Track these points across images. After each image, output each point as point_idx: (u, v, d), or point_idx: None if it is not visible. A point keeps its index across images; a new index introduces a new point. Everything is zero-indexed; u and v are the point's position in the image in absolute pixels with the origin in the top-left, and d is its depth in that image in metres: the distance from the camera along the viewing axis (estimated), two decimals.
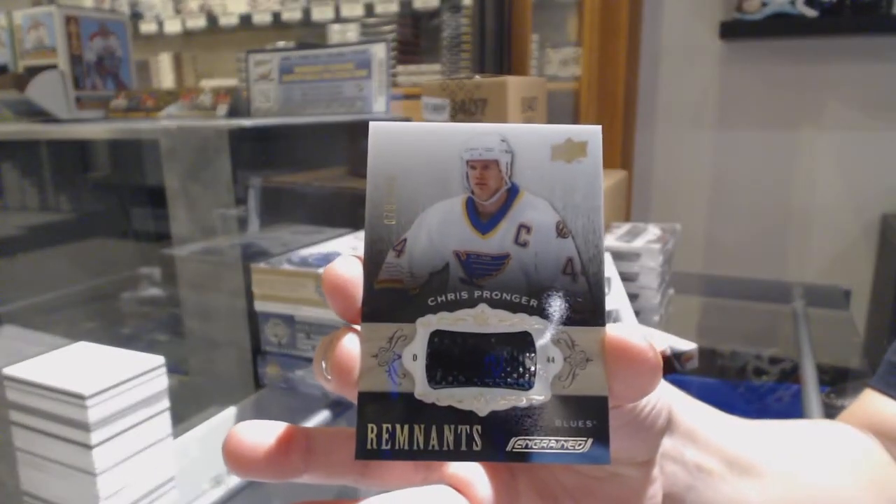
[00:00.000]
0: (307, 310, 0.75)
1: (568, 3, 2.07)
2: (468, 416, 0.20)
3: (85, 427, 0.49)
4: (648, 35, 1.92)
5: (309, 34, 2.49)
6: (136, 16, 2.76)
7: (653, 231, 0.99)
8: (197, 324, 0.89)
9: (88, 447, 0.49)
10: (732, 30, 1.78)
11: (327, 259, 0.78)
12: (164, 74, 2.81)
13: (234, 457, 0.20)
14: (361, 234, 0.97)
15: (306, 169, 1.13)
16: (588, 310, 0.20)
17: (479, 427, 0.20)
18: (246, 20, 2.55)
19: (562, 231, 0.21)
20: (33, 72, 1.15)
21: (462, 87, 1.04)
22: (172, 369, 0.57)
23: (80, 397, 0.49)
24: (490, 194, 0.21)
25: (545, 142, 0.21)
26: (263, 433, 0.20)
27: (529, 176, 0.21)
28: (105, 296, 1.17)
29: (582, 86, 1.81)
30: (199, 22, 2.67)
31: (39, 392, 0.51)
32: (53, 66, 1.16)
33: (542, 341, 0.20)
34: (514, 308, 0.20)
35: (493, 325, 0.20)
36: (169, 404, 0.56)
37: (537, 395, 0.20)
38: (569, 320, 0.20)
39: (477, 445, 0.20)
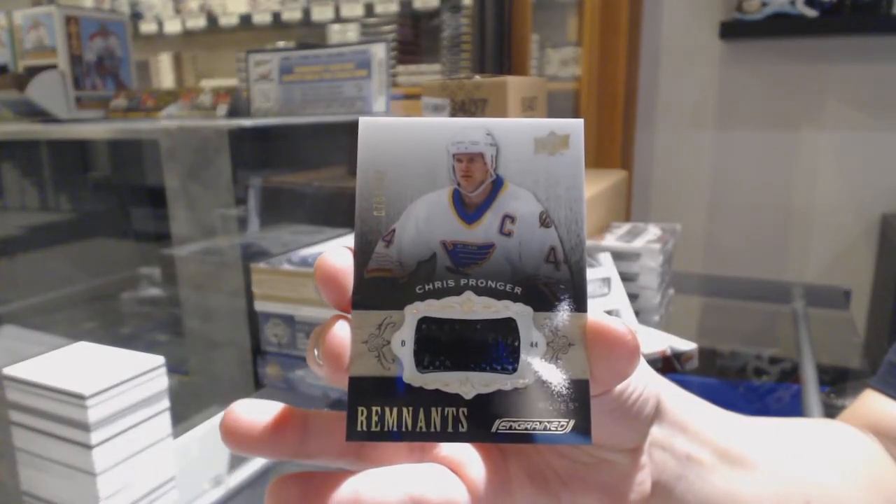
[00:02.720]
0: (307, 310, 0.75)
1: (568, 3, 2.07)
2: (455, 399, 0.20)
3: (85, 427, 0.49)
4: (648, 35, 1.92)
5: (309, 34, 2.49)
6: (136, 16, 2.76)
7: (653, 231, 0.99)
8: (197, 324, 0.89)
9: (88, 447, 0.49)
10: (732, 30, 1.78)
11: None
12: (164, 74, 2.81)
13: (231, 432, 0.20)
14: None
15: (306, 169, 1.13)
16: (570, 296, 0.21)
17: (465, 409, 0.20)
18: (246, 20, 2.55)
19: (545, 221, 0.21)
20: (33, 72, 1.15)
21: (462, 87, 1.04)
22: (172, 369, 0.57)
23: (80, 397, 0.49)
24: (475, 186, 0.22)
25: (529, 135, 0.22)
26: (261, 411, 0.21)
27: (514, 168, 0.22)
28: (105, 296, 1.17)
29: (582, 86, 1.81)
30: (199, 22, 2.67)
31: (39, 392, 0.51)
32: (53, 66, 1.16)
33: (525, 327, 0.21)
34: (498, 295, 0.21)
35: (478, 311, 0.21)
36: (169, 404, 0.56)
37: (521, 378, 0.21)
38: (552, 307, 0.21)
39: (463, 427, 0.20)
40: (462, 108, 1.05)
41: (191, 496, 0.62)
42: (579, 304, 0.21)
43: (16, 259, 1.18)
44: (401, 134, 0.22)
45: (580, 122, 0.22)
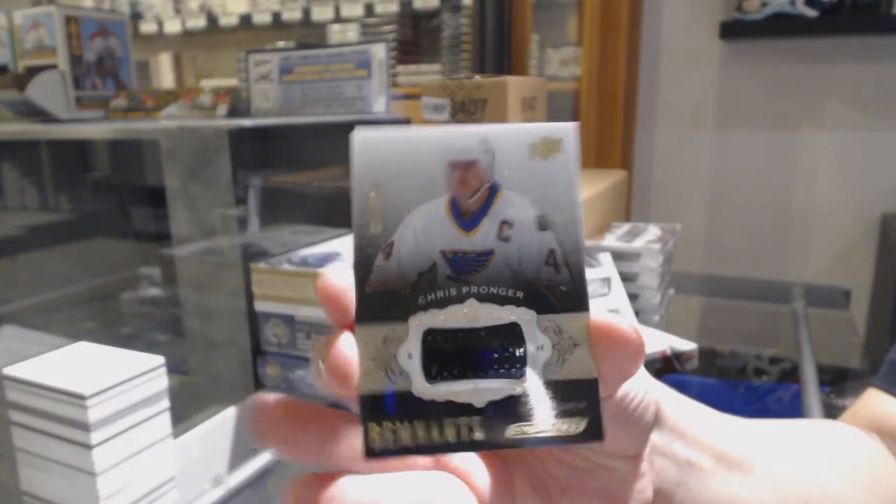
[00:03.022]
0: (307, 310, 0.75)
1: (568, 3, 2.07)
2: (466, 409, 0.20)
3: (85, 427, 0.49)
4: (648, 35, 1.92)
5: (309, 34, 2.49)
6: (136, 16, 2.76)
7: (653, 231, 0.99)
8: (197, 324, 0.89)
9: (88, 447, 0.49)
10: (732, 30, 1.78)
11: (327, 259, 0.78)
12: (164, 74, 2.81)
13: (259, 426, 0.21)
14: None
15: (306, 169, 1.13)
16: (572, 297, 0.21)
17: (478, 418, 0.20)
18: (246, 20, 2.55)
19: (542, 225, 0.22)
20: (33, 72, 1.15)
21: (462, 87, 1.04)
22: (172, 369, 0.57)
23: (80, 397, 0.49)
24: (472, 193, 0.22)
25: (523, 140, 0.22)
26: (287, 407, 0.21)
27: (509, 174, 0.22)
28: (105, 296, 1.17)
29: (582, 86, 1.81)
30: (199, 22, 2.67)
31: (39, 392, 0.51)
32: (53, 66, 1.16)
33: (530, 331, 0.21)
34: (501, 301, 0.21)
35: (482, 318, 0.21)
36: (169, 404, 0.56)
37: (530, 382, 0.21)
38: (554, 308, 0.21)
39: (477, 436, 0.20)
40: (462, 108, 1.05)
41: (191, 496, 0.62)
42: (581, 305, 0.21)
43: (16, 259, 1.18)
44: (395, 146, 0.22)
45: (573, 125, 0.22)
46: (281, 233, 0.97)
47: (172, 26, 2.72)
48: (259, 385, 0.81)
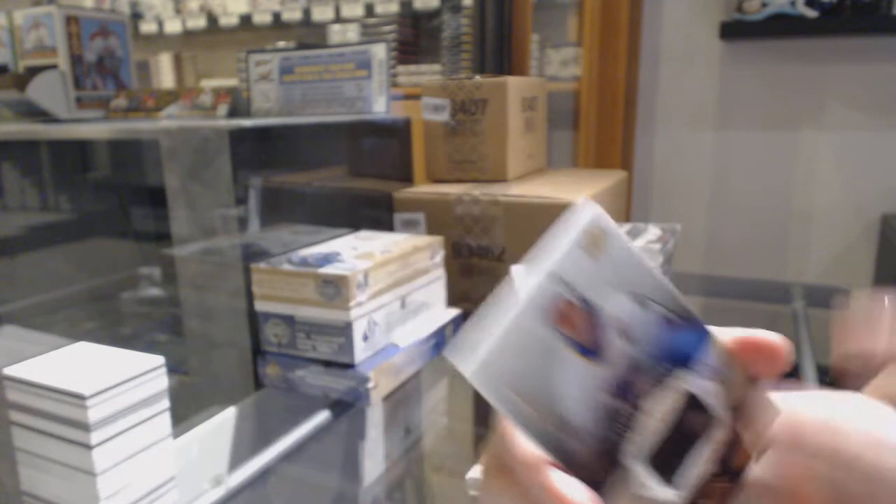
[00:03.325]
0: (307, 310, 0.75)
1: (568, 3, 2.07)
2: (711, 477, 0.23)
3: (85, 427, 0.49)
4: (648, 35, 1.92)
5: (309, 34, 2.49)
6: (136, 16, 2.76)
7: (653, 231, 0.99)
8: (197, 324, 0.89)
9: (88, 447, 0.49)
10: (732, 30, 1.78)
11: (327, 259, 0.78)
12: (164, 74, 2.81)
13: None
14: (361, 234, 0.96)
15: (306, 169, 1.13)
16: (700, 336, 0.24)
17: (721, 480, 0.23)
18: (246, 20, 2.55)
19: (643, 304, 0.23)
20: (33, 72, 1.15)
21: (462, 87, 1.04)
22: (172, 369, 0.57)
23: (80, 397, 0.49)
24: (581, 329, 0.22)
25: (574, 249, 0.22)
26: None
27: (589, 286, 0.22)
28: (105, 296, 1.17)
29: (582, 86, 1.81)
30: (199, 22, 2.67)
31: (39, 392, 0.51)
32: (53, 66, 1.16)
33: (699, 387, 0.23)
34: (662, 385, 0.23)
35: (665, 410, 0.23)
36: (169, 404, 0.56)
37: (724, 418, 0.23)
38: (691, 353, 0.23)
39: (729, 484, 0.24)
40: (462, 108, 1.05)
41: (191, 496, 0.62)
42: (707, 334, 0.23)
43: (16, 259, 1.18)
44: (498, 346, 0.21)
45: (592, 205, 0.23)
46: (281, 233, 0.97)
47: (172, 26, 2.72)
48: (259, 385, 0.81)
